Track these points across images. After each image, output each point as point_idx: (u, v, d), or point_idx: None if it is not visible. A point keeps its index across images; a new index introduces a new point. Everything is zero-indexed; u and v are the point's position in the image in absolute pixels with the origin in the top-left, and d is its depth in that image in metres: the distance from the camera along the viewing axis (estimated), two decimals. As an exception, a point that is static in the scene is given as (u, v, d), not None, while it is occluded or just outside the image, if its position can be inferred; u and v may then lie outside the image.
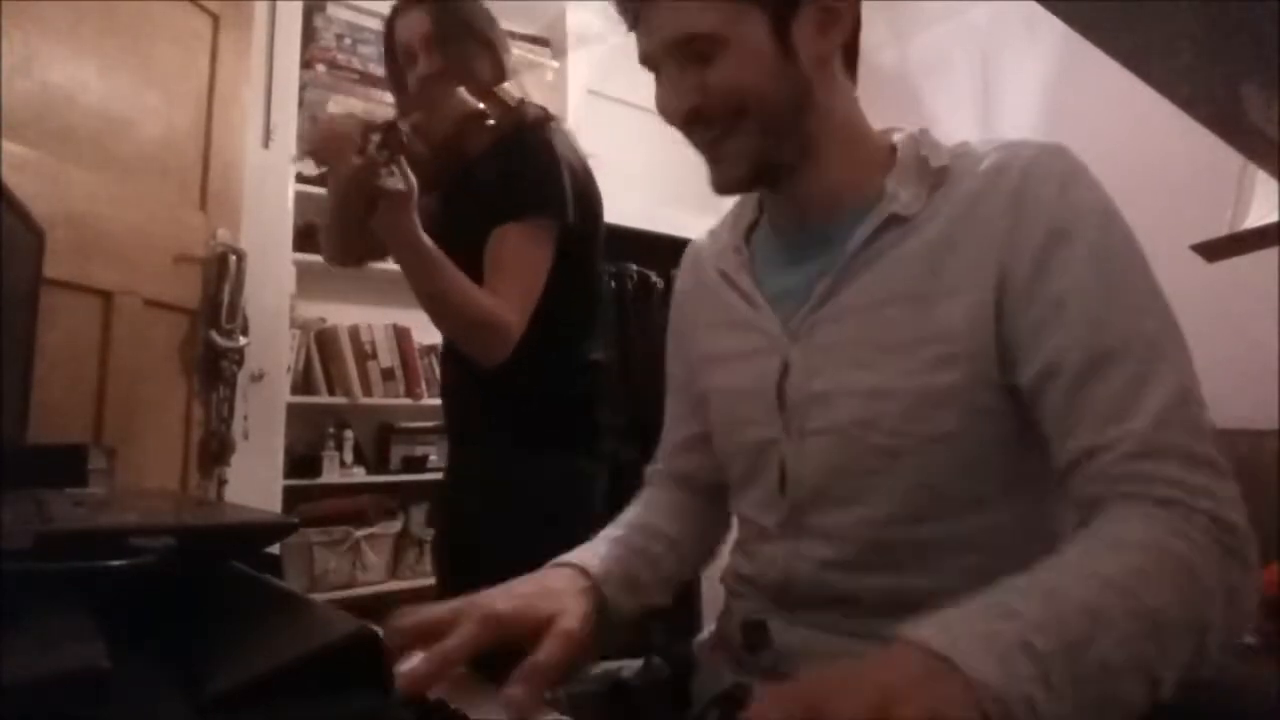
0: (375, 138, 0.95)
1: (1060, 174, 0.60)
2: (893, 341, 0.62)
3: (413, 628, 0.54)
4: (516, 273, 1.11)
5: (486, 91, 1.17)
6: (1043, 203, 0.59)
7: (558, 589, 0.63)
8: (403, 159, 0.99)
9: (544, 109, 1.22)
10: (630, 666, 0.77)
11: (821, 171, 0.68)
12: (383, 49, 1.29)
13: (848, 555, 0.64)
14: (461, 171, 1.19)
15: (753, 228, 0.76)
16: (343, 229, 1.29)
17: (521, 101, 1.20)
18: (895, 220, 0.64)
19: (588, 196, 1.22)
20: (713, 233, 0.81)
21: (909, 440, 0.61)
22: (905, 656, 0.41)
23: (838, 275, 0.65)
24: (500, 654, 0.55)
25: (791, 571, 0.66)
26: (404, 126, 0.99)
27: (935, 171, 0.64)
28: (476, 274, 1.11)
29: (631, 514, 0.81)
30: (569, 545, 1.28)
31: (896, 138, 0.69)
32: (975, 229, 0.60)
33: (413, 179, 1.00)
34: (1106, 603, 0.44)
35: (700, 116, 0.65)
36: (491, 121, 1.16)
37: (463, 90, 1.18)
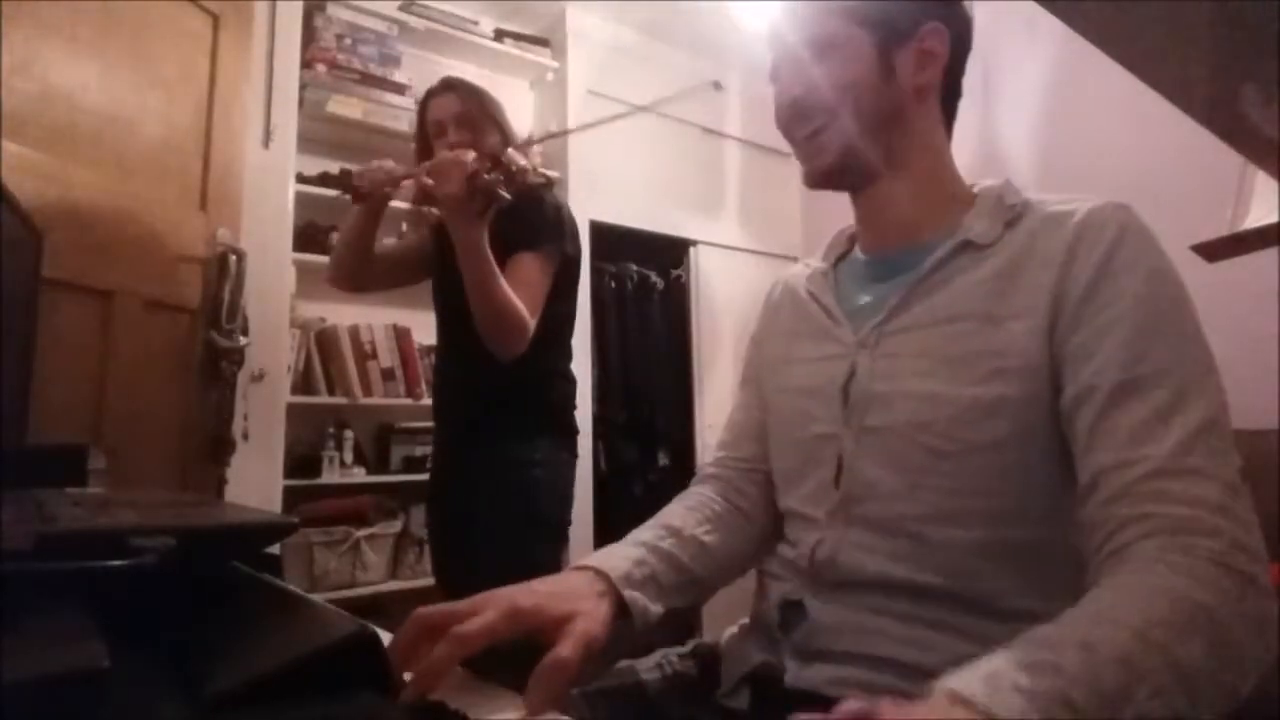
0: (487, 164, 1.27)
1: (1122, 220, 0.64)
2: (954, 354, 0.67)
3: (435, 616, 0.54)
4: (530, 288, 1.40)
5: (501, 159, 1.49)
6: (1101, 241, 0.63)
7: (577, 590, 0.63)
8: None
9: (547, 174, 1.60)
10: (644, 664, 0.78)
11: (902, 187, 0.76)
12: (416, 120, 1.64)
13: (890, 547, 0.67)
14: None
15: (842, 259, 0.85)
16: (363, 255, 1.57)
17: (534, 168, 1.50)
18: (969, 247, 0.70)
19: (576, 239, 1.56)
20: (807, 263, 0.90)
21: (959, 445, 0.64)
22: (947, 712, 0.41)
23: (909, 292, 0.71)
24: (505, 656, 0.55)
25: (835, 553, 0.69)
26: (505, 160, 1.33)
27: (1009, 208, 0.71)
28: None
29: (666, 515, 0.81)
30: (557, 520, 1.49)
31: (979, 188, 0.76)
32: (1038, 260, 0.66)
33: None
34: (1139, 656, 0.45)
35: (800, 107, 0.76)
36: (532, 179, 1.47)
37: (512, 151, 1.48)
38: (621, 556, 0.70)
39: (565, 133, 2.70)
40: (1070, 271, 0.63)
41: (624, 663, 0.78)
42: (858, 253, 0.83)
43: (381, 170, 1.48)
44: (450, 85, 1.59)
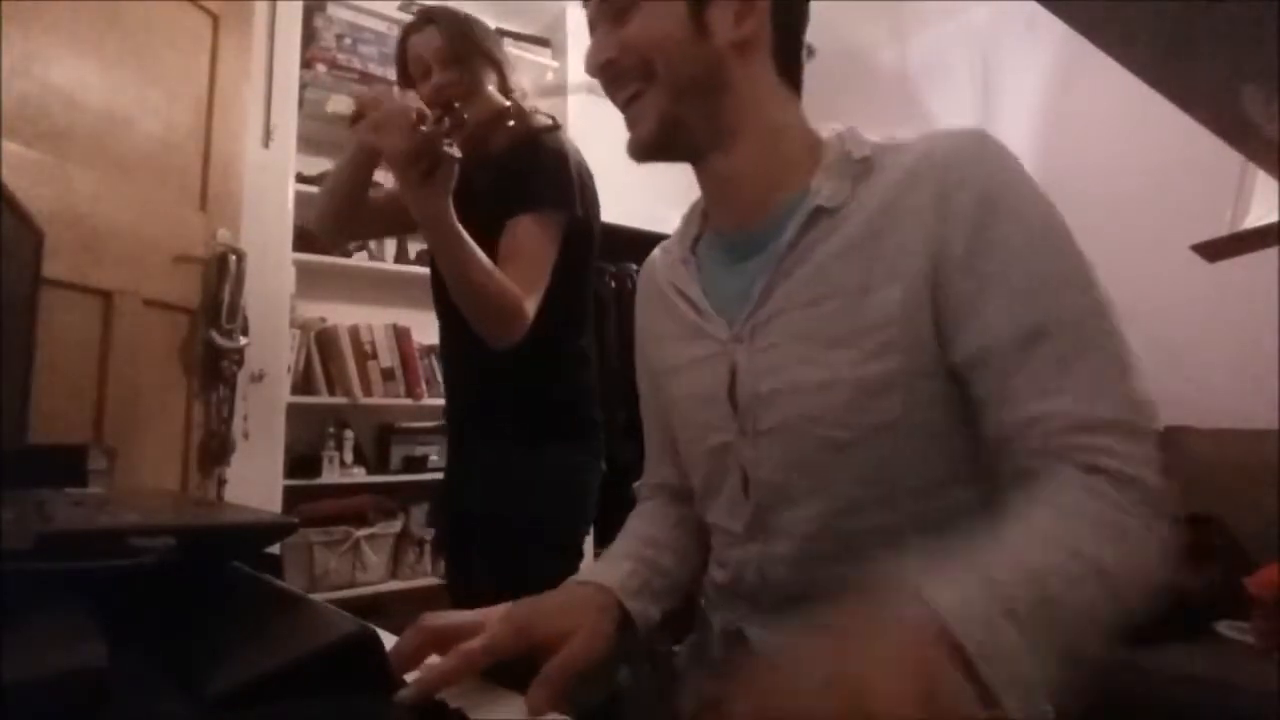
0: (437, 112, 1.04)
1: (983, 157, 0.61)
2: (832, 335, 0.63)
3: (442, 629, 0.55)
4: (530, 260, 1.18)
5: (500, 102, 1.27)
6: (969, 186, 0.59)
7: (582, 606, 0.63)
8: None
9: (553, 117, 1.31)
10: (620, 670, 0.78)
11: (742, 160, 0.69)
12: (395, 62, 1.36)
13: (816, 550, 0.65)
14: (477, 167, 1.22)
15: (699, 240, 0.78)
16: (355, 202, 1.32)
17: (534, 110, 1.29)
18: (822, 214, 0.65)
19: (588, 196, 1.30)
20: (664, 248, 0.83)
21: (856, 431, 0.62)
22: (919, 643, 0.42)
23: (773, 275, 0.66)
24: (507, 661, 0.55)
25: (765, 573, 0.67)
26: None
27: (857, 163, 0.65)
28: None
29: (632, 529, 0.81)
30: (569, 537, 1.27)
31: (825, 136, 0.70)
32: (903, 218, 0.61)
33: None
34: (1057, 558, 0.49)
35: (613, 70, 0.69)
36: (512, 122, 1.25)
37: (491, 89, 1.26)
38: (617, 570, 0.70)
39: (562, 85, 2.69)
40: (945, 225, 0.59)
41: None
42: (711, 231, 0.76)
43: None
44: (430, 17, 1.32)
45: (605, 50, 0.69)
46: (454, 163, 1.04)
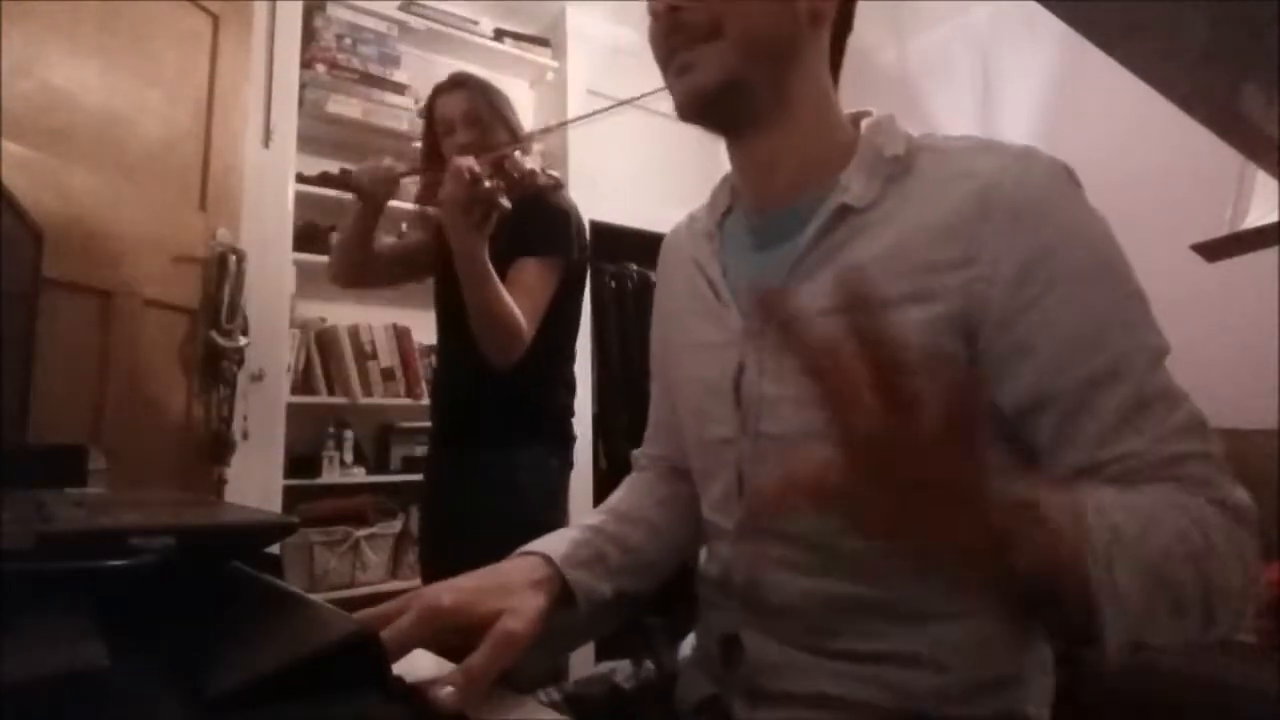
0: (489, 170, 1.27)
1: (1036, 179, 0.58)
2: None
3: (362, 620, 0.54)
4: (531, 295, 1.39)
5: (504, 165, 1.49)
6: (1020, 210, 0.56)
7: (512, 583, 0.60)
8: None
9: (555, 176, 1.56)
10: (623, 669, 0.77)
11: (789, 137, 0.66)
12: (424, 117, 1.62)
13: (802, 559, 0.62)
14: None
15: (728, 214, 0.75)
16: (363, 253, 1.57)
17: (543, 169, 1.54)
18: (849, 213, 0.62)
19: (583, 243, 1.54)
20: (692, 216, 0.80)
21: None
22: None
23: (790, 273, 0.63)
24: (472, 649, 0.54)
25: (754, 576, 0.65)
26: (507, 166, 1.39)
27: (889, 161, 0.62)
28: None
29: (613, 500, 0.79)
30: (542, 527, 1.42)
31: (864, 128, 0.67)
32: (939, 234, 0.58)
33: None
34: (1154, 517, 0.49)
35: (677, 18, 0.63)
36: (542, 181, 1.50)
37: (518, 155, 1.51)
38: (562, 539, 0.67)
39: (564, 124, 2.69)
40: (990, 252, 0.55)
41: (603, 666, 0.77)
42: (739, 211, 0.73)
43: (381, 168, 1.49)
44: (459, 82, 1.57)
45: None
46: (503, 211, 1.24)
